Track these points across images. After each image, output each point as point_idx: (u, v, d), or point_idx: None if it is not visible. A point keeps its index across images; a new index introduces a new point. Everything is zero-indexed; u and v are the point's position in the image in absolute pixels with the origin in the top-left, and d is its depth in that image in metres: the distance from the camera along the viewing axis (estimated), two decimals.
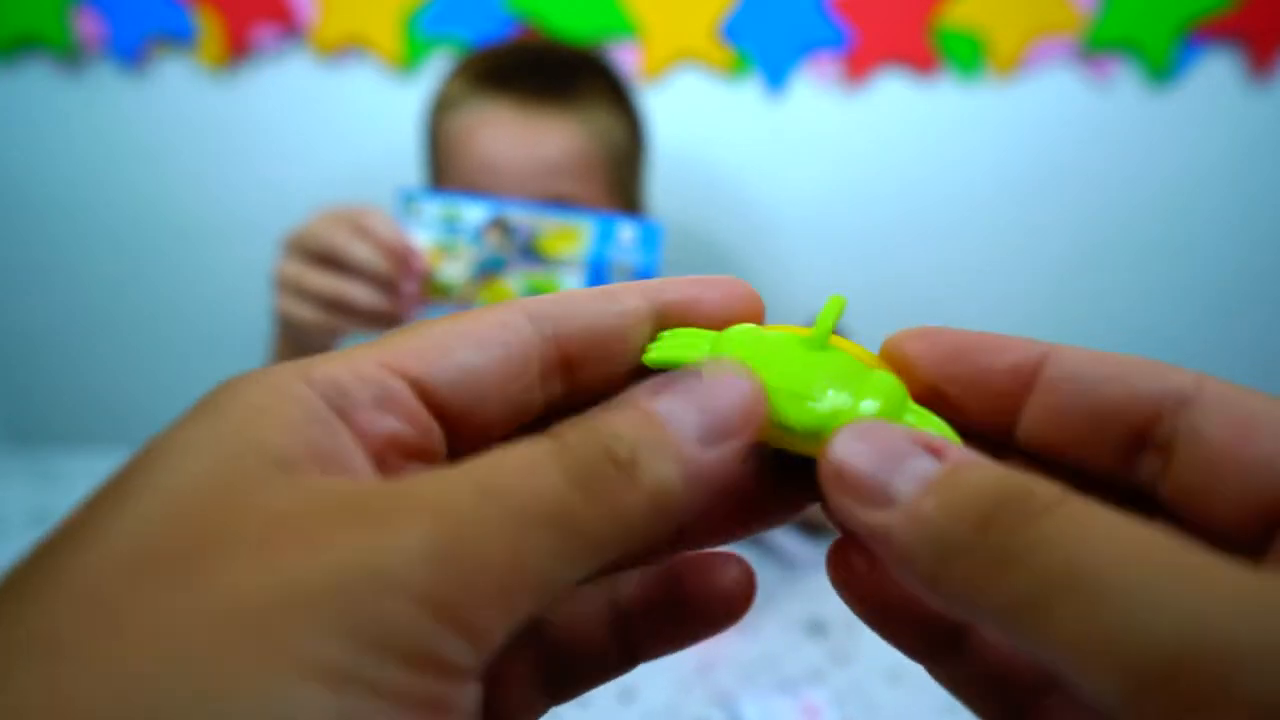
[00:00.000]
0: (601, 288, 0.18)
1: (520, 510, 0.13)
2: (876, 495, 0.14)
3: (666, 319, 0.18)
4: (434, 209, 0.64)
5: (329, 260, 0.61)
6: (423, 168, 0.80)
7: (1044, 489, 0.13)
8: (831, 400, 0.16)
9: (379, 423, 0.15)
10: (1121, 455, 0.16)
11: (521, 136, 0.71)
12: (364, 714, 0.11)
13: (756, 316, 0.19)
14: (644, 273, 0.64)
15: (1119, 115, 0.97)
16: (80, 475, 1.00)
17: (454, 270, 0.63)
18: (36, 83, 1.01)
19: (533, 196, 0.68)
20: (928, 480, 0.14)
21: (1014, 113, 0.97)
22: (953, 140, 0.99)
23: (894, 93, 0.97)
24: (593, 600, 0.18)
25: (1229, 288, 1.03)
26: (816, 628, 0.69)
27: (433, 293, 0.64)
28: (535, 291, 0.64)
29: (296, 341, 0.67)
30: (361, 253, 0.60)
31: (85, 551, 0.12)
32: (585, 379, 0.17)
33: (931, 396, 0.18)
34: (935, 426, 0.17)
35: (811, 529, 0.79)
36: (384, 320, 0.63)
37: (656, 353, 0.18)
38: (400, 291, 0.62)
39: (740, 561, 0.18)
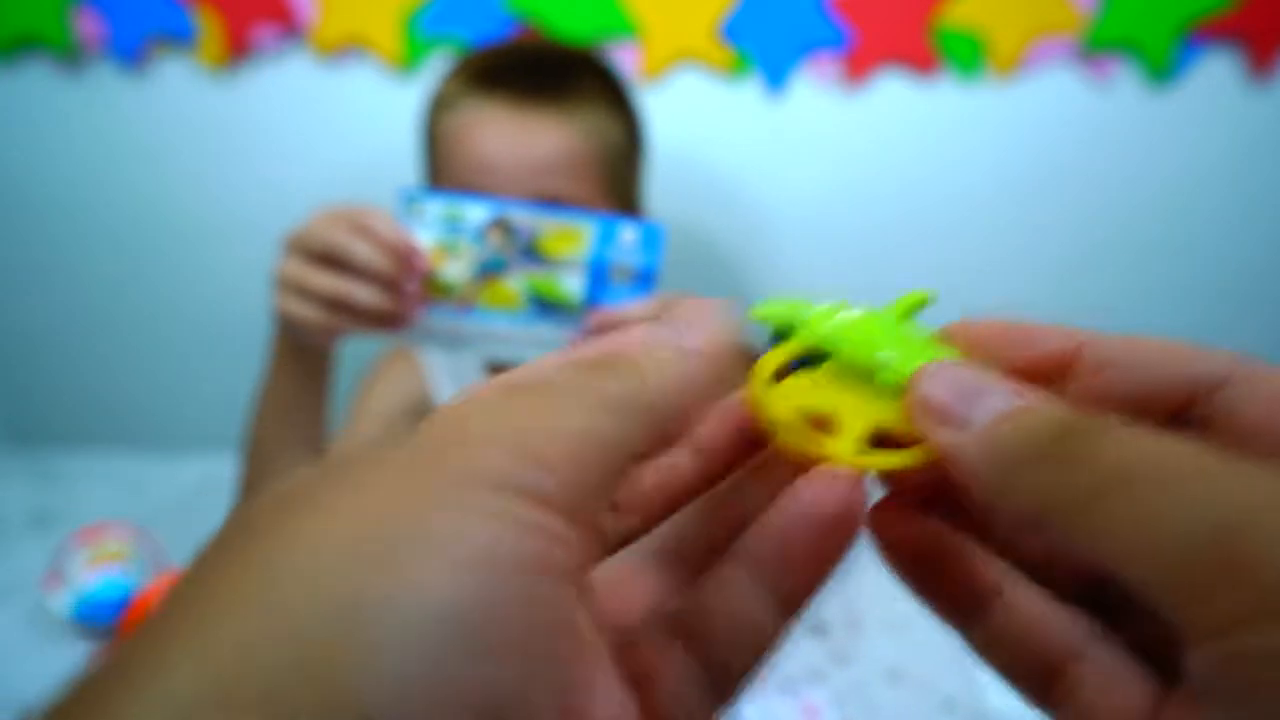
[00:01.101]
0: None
1: (548, 392, 0.16)
2: (958, 418, 0.17)
3: None
4: (436, 209, 0.64)
5: (331, 260, 0.61)
6: (421, 167, 0.80)
7: (1108, 417, 0.15)
8: (900, 357, 0.19)
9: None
10: None
11: (515, 136, 0.71)
12: (501, 534, 0.13)
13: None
14: (645, 274, 0.64)
15: (1119, 115, 0.97)
16: (80, 475, 1.01)
17: (455, 270, 0.63)
18: (36, 83, 1.01)
19: (526, 196, 0.68)
20: (1004, 409, 0.16)
21: (1014, 113, 0.97)
22: (953, 140, 0.99)
23: (894, 93, 0.97)
24: (727, 578, 0.19)
25: (1229, 288, 1.03)
26: (816, 628, 0.69)
27: (434, 292, 0.64)
28: (536, 291, 0.64)
29: (296, 341, 0.67)
30: (364, 252, 0.60)
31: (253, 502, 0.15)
32: None
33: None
34: None
35: None
36: (386, 320, 0.63)
37: (763, 310, 0.20)
38: (402, 291, 0.62)
39: (848, 474, 0.19)
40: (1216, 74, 0.95)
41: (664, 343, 0.18)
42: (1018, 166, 1.00)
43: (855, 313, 0.20)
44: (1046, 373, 0.18)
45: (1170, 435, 0.14)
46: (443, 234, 0.63)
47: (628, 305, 0.63)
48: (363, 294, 0.61)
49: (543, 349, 0.65)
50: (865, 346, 0.19)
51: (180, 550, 0.79)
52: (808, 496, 0.18)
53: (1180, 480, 0.13)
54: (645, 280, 0.64)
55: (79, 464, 1.03)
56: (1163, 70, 0.94)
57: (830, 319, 0.20)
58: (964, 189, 1.01)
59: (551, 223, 0.63)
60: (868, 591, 0.72)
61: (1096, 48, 0.94)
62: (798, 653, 0.67)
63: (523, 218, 0.63)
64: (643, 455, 0.16)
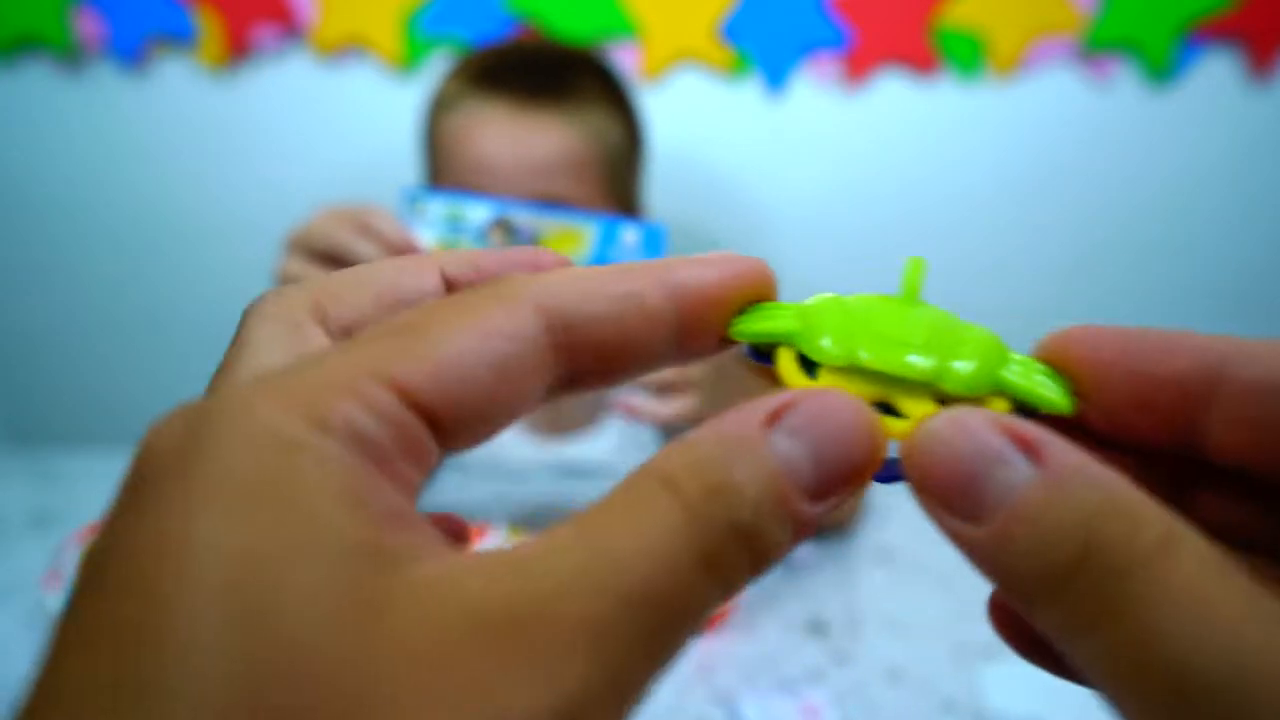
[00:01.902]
0: (619, 273, 0.16)
1: (664, 614, 0.12)
2: (967, 506, 0.13)
3: (686, 303, 0.16)
4: (438, 208, 0.64)
5: (333, 259, 0.61)
6: (421, 168, 0.80)
7: (1146, 529, 0.12)
8: (927, 356, 0.16)
9: (408, 477, 0.13)
10: None
11: (515, 136, 0.71)
12: None
13: (769, 293, 0.18)
14: None
15: (1119, 115, 0.97)
16: (80, 475, 1.00)
17: None
18: (36, 83, 1.01)
19: (526, 196, 0.68)
20: (1020, 496, 0.13)
21: (1014, 113, 0.97)
22: (953, 140, 0.99)
23: (894, 93, 0.97)
24: None
25: (1229, 288, 1.03)
26: (816, 628, 0.69)
27: None
28: None
29: None
30: (367, 252, 0.60)
31: None
32: (593, 368, 0.16)
33: (1100, 408, 0.16)
34: (1039, 383, 0.16)
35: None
36: None
37: (745, 325, 0.17)
38: None
39: None
40: (1216, 74, 0.95)
41: (793, 496, 0.13)
42: (1018, 166, 1.00)
43: (852, 301, 0.17)
44: (1181, 400, 0.15)
45: (1217, 574, 0.12)
46: (444, 233, 0.63)
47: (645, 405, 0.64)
48: None
49: None
50: (897, 347, 0.16)
51: None
52: None
53: (1223, 676, 0.11)
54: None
55: (79, 464, 1.03)
56: (1163, 70, 0.94)
57: (829, 325, 0.17)
58: (964, 189, 1.01)
59: (553, 223, 0.63)
60: (868, 591, 0.72)
61: (1096, 48, 0.94)
62: (798, 653, 0.67)
63: (524, 218, 0.63)
64: None
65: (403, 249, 0.61)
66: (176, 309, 1.10)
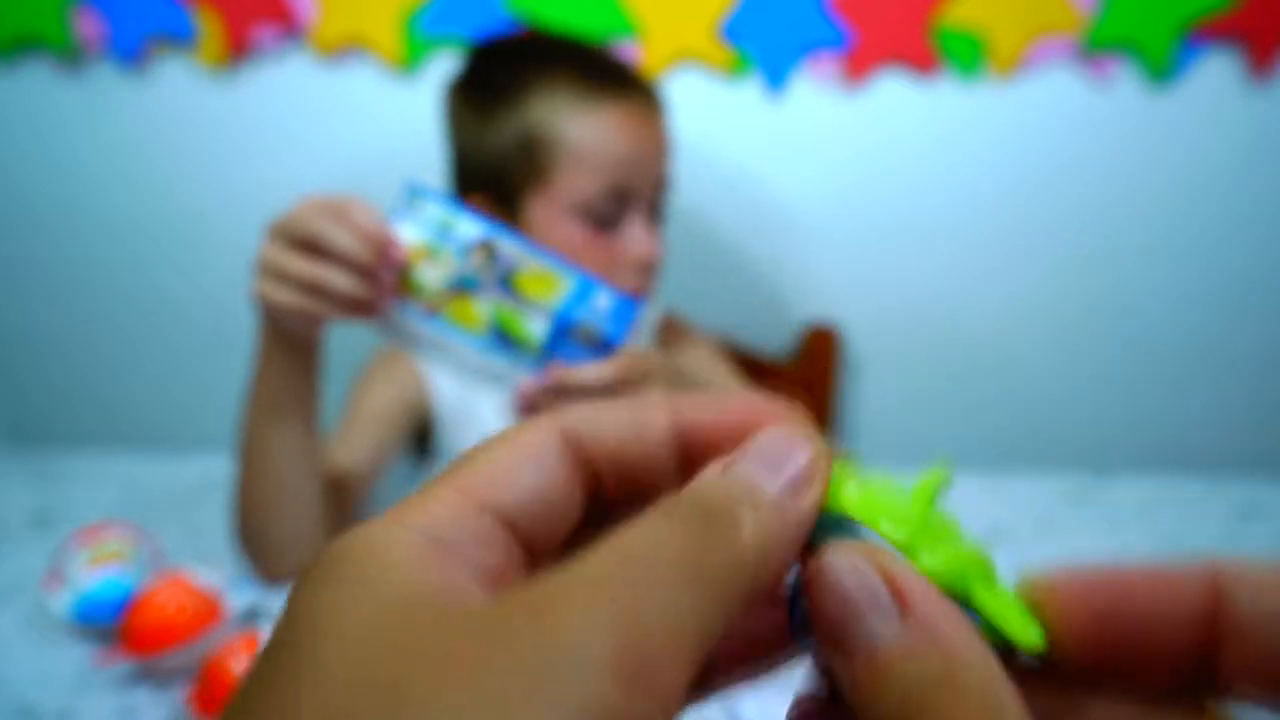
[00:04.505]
0: (635, 404, 0.18)
1: (662, 572, 0.14)
2: (842, 648, 0.15)
3: (688, 438, 0.18)
4: (434, 210, 0.63)
5: (311, 246, 0.61)
6: (447, 173, 0.80)
7: (960, 706, 0.13)
8: (905, 533, 0.17)
9: (485, 558, 0.16)
10: None
11: (648, 128, 0.79)
12: None
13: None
14: (606, 342, 0.64)
15: (1119, 115, 0.97)
16: (80, 475, 1.00)
17: (431, 275, 0.63)
18: (36, 83, 1.01)
19: (656, 180, 0.78)
20: (878, 649, 0.15)
21: (1014, 113, 0.97)
22: (953, 140, 0.99)
23: (894, 93, 0.97)
24: None
25: (1229, 288, 1.03)
26: None
27: (405, 289, 0.63)
28: (499, 321, 0.64)
29: (280, 330, 0.67)
30: (342, 239, 0.61)
31: None
32: (612, 488, 0.19)
33: (1094, 652, 0.16)
34: (1012, 616, 0.16)
35: None
36: (360, 307, 0.63)
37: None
38: (377, 279, 0.62)
39: None
40: (1216, 74, 0.95)
41: (764, 495, 0.16)
42: (1018, 166, 1.00)
43: (873, 482, 0.18)
44: (1184, 644, 0.15)
45: None
46: (431, 237, 0.63)
47: (587, 368, 0.63)
48: (339, 280, 0.61)
49: (491, 382, 0.65)
50: (873, 513, 0.17)
51: (180, 550, 0.79)
52: None
53: None
54: (605, 348, 0.64)
55: (79, 464, 1.03)
56: (1163, 70, 0.94)
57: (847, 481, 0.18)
58: (964, 189, 1.01)
59: (534, 262, 0.63)
60: None
61: (1096, 48, 0.94)
62: None
63: (510, 248, 0.63)
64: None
65: (377, 240, 0.61)
66: (176, 309, 1.10)
